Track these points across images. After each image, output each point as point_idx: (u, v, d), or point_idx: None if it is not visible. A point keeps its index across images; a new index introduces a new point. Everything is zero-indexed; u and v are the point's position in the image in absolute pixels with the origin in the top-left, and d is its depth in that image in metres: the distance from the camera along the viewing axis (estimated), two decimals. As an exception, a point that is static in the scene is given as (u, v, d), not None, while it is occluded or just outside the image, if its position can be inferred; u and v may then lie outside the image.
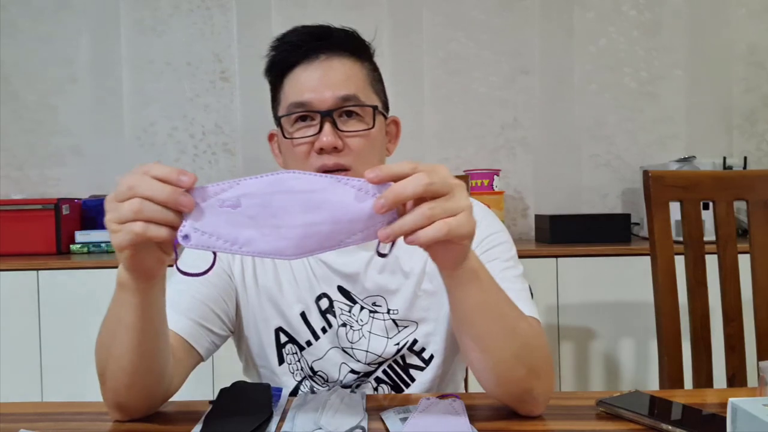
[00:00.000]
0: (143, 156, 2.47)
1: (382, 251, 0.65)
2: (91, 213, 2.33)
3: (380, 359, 0.98)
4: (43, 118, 2.47)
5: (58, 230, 2.18)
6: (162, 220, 0.63)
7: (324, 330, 0.99)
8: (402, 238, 0.64)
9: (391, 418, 0.76)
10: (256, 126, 2.46)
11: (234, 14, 2.47)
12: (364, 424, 0.74)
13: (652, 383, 1.93)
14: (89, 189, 2.45)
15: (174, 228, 0.64)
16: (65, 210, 2.22)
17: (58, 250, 2.18)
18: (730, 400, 0.58)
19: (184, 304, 0.90)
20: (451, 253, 0.68)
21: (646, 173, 1.28)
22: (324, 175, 0.64)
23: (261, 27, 2.46)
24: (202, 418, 0.77)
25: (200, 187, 0.64)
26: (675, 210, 1.28)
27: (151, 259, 0.68)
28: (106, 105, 2.48)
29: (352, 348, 0.98)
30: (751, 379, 1.20)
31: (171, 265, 0.72)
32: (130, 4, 2.47)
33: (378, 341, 0.98)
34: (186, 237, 0.64)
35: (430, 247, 0.67)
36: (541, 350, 0.80)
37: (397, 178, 0.63)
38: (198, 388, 0.96)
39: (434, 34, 2.47)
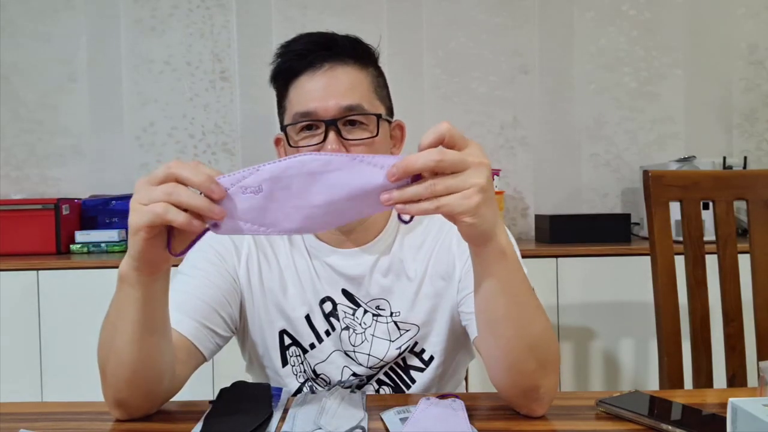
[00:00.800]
0: (143, 156, 2.48)
1: (404, 219, 0.68)
2: (91, 213, 2.33)
3: (382, 363, 0.98)
4: (43, 118, 2.47)
5: (58, 230, 2.18)
6: (188, 206, 0.65)
7: (327, 333, 0.99)
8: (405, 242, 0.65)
9: (391, 418, 0.76)
10: (256, 126, 2.46)
11: (234, 14, 2.47)
12: (364, 424, 0.74)
13: (652, 383, 1.93)
14: (89, 189, 2.45)
15: (196, 217, 0.66)
16: (65, 210, 2.22)
17: (58, 250, 2.18)
18: (730, 400, 0.58)
19: (188, 305, 0.90)
20: (466, 228, 0.68)
21: (646, 173, 1.28)
22: (340, 154, 0.66)
23: (261, 27, 2.46)
24: (202, 418, 0.77)
25: (222, 176, 0.66)
26: (675, 210, 1.28)
27: (161, 249, 0.69)
28: (105, 105, 2.48)
29: (355, 351, 0.98)
30: (751, 379, 1.20)
31: (176, 265, 0.72)
32: (129, 4, 2.47)
33: (380, 344, 0.98)
34: (215, 225, 0.67)
35: (455, 222, 0.68)
36: (554, 347, 0.80)
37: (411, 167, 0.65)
38: (198, 388, 0.96)
39: (434, 34, 2.47)
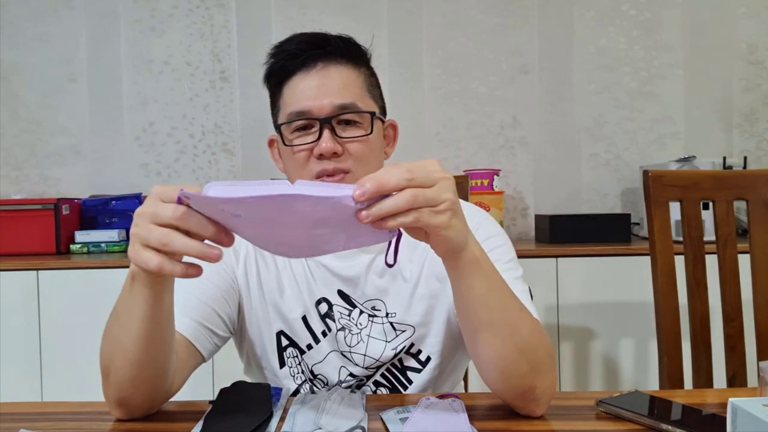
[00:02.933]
0: (143, 156, 2.48)
1: (390, 262, 0.67)
2: (90, 213, 2.33)
3: (378, 363, 0.98)
4: (43, 118, 2.47)
5: (58, 230, 2.18)
6: (187, 252, 0.65)
7: (324, 334, 0.99)
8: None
9: (391, 418, 0.76)
10: (256, 126, 2.46)
11: (234, 14, 2.47)
12: (364, 424, 0.74)
13: (652, 383, 1.93)
14: (89, 189, 2.45)
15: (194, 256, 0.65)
16: (65, 210, 2.22)
17: (58, 250, 2.18)
18: (730, 400, 0.58)
19: (187, 305, 0.90)
20: (439, 242, 0.69)
21: (645, 173, 1.28)
22: (326, 192, 0.60)
23: (261, 27, 2.46)
24: (202, 418, 0.77)
25: (203, 197, 0.61)
26: (675, 210, 1.28)
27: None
28: (105, 105, 2.48)
29: (351, 352, 0.98)
30: (751, 379, 1.20)
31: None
32: (129, 4, 2.47)
33: (376, 345, 0.98)
34: None
35: (430, 236, 0.69)
36: (545, 348, 0.80)
37: (385, 186, 0.63)
38: (198, 388, 0.96)
39: (434, 34, 2.47)
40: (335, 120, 0.91)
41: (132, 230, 0.67)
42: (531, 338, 0.78)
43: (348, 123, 0.93)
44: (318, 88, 0.92)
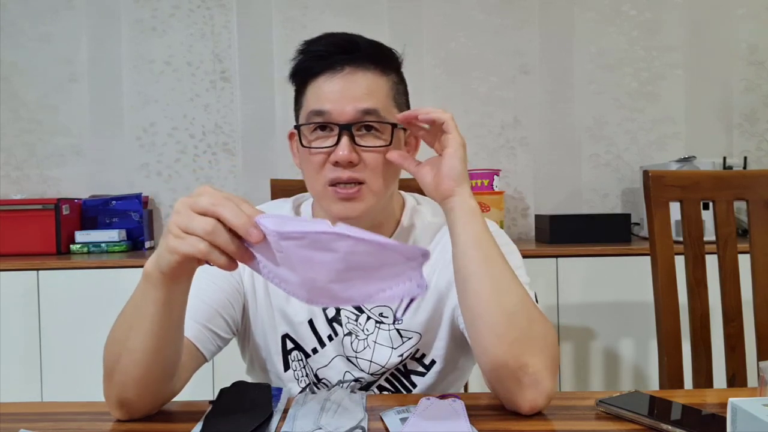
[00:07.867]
0: (143, 156, 2.48)
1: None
2: (91, 213, 2.33)
3: (383, 369, 0.98)
4: (43, 118, 2.47)
5: (58, 230, 2.19)
6: (225, 248, 0.65)
7: (330, 338, 0.98)
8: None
9: (391, 418, 0.76)
10: (256, 126, 2.46)
11: (234, 14, 2.47)
12: (364, 424, 0.74)
13: (652, 383, 1.93)
14: (89, 189, 2.46)
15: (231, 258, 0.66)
16: (65, 210, 2.22)
17: (58, 250, 2.18)
18: (730, 400, 0.58)
19: (192, 307, 0.89)
20: (448, 162, 0.85)
21: (646, 173, 1.28)
22: (369, 238, 0.61)
23: (261, 27, 2.47)
24: (202, 418, 0.77)
25: (259, 219, 0.64)
26: (675, 210, 1.28)
27: (191, 267, 0.71)
28: (106, 105, 2.48)
29: (357, 357, 0.98)
30: (751, 379, 1.20)
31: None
32: (130, 4, 2.47)
33: (382, 351, 0.97)
34: None
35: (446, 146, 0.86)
36: (540, 323, 0.82)
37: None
38: (198, 388, 0.96)
39: (434, 34, 2.47)
40: (355, 127, 0.89)
41: (172, 219, 0.67)
42: (522, 306, 0.81)
43: (368, 130, 0.91)
44: (341, 92, 0.90)
